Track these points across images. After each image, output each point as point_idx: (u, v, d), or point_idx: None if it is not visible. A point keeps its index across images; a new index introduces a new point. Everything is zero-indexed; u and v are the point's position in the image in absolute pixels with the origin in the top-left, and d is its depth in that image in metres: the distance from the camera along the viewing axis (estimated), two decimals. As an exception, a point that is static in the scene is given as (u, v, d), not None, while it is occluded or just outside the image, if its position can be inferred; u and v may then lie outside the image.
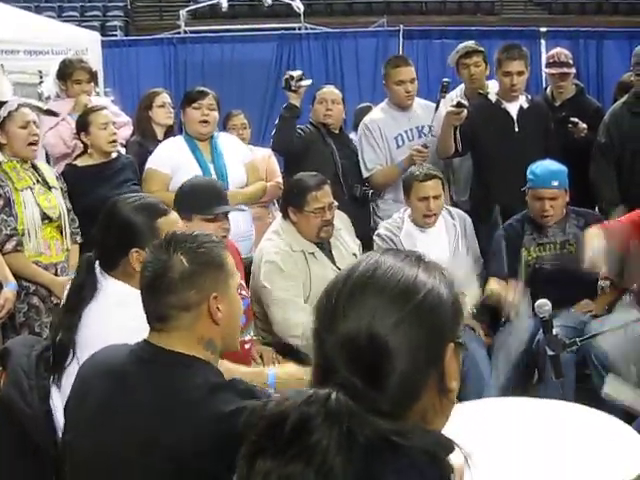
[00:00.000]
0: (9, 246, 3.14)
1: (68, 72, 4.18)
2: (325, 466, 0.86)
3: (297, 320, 3.03)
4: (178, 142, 3.81)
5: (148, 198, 2.29)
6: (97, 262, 2.10)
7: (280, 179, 4.46)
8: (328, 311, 0.99)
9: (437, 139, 3.97)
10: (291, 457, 0.87)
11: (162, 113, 4.34)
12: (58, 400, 1.87)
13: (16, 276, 3.14)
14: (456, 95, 4.37)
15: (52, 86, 4.35)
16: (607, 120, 4.00)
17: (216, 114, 3.84)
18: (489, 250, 3.52)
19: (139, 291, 1.64)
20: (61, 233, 3.35)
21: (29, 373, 1.89)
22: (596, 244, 2.72)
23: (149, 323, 1.60)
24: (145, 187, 3.64)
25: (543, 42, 8.81)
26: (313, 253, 3.28)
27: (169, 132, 4.32)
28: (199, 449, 1.41)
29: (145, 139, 4.26)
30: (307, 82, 4.01)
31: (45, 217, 3.26)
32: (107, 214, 2.17)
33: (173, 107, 4.41)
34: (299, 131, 4.10)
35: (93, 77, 4.32)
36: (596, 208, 3.97)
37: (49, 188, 3.33)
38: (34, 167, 3.35)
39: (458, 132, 3.88)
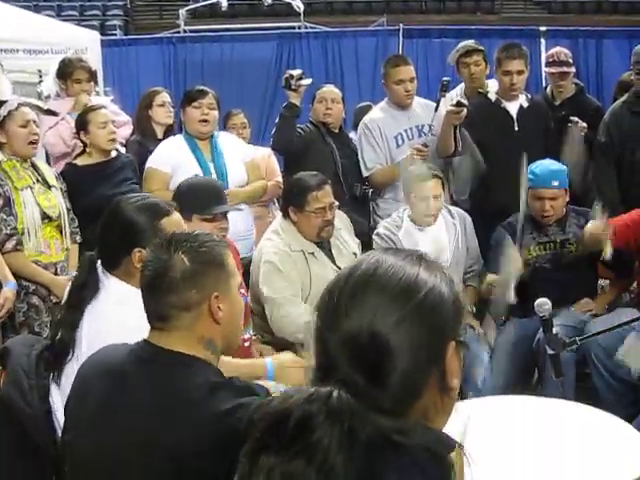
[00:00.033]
0: (9, 245, 3.14)
1: (68, 71, 4.18)
2: (326, 465, 0.87)
3: (295, 317, 3.03)
4: (178, 141, 3.81)
5: (151, 198, 2.29)
6: (99, 261, 2.10)
7: (280, 178, 4.46)
8: (330, 309, 1.00)
9: (437, 138, 3.97)
10: (294, 454, 0.88)
11: (162, 112, 4.35)
12: (58, 399, 1.87)
13: (16, 275, 3.14)
14: (456, 94, 4.37)
15: (52, 85, 4.35)
16: (607, 119, 4.00)
17: (216, 113, 3.84)
18: (489, 248, 3.51)
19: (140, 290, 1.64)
20: (61, 232, 3.35)
21: (29, 372, 1.89)
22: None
23: (149, 322, 1.60)
24: (145, 186, 3.64)
25: (543, 41, 8.81)
26: (313, 253, 3.27)
27: (169, 131, 4.32)
28: (199, 449, 1.41)
29: (145, 138, 4.27)
30: (307, 81, 4.01)
31: (45, 216, 3.26)
32: (110, 214, 2.16)
33: (173, 106, 4.41)
34: (299, 130, 4.10)
35: (93, 76, 4.32)
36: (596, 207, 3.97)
37: (49, 187, 3.34)
38: (33, 166, 3.35)
39: (458, 131, 3.88)
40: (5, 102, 3.34)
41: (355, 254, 3.44)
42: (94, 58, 5.52)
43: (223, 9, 11.02)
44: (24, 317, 3.20)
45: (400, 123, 4.11)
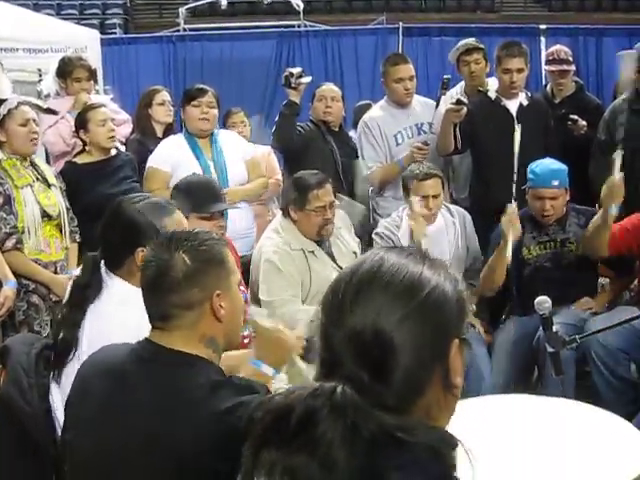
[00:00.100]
0: (9, 244, 3.13)
1: (68, 70, 4.18)
2: (329, 459, 0.87)
3: (293, 315, 3.03)
4: (178, 140, 3.81)
5: (153, 198, 2.29)
6: (102, 261, 2.10)
7: (280, 176, 4.46)
8: (335, 306, 1.00)
9: (437, 136, 3.97)
10: (296, 449, 0.88)
11: (162, 111, 4.35)
12: (58, 398, 1.87)
13: (16, 274, 3.14)
14: (456, 92, 4.37)
15: (52, 84, 4.35)
16: (607, 117, 3.99)
17: (216, 111, 3.84)
18: (489, 246, 3.51)
19: None
20: (60, 231, 3.35)
21: (29, 371, 1.89)
22: None
23: (150, 322, 1.60)
24: (146, 185, 3.64)
25: (543, 39, 8.80)
26: (313, 251, 3.27)
27: (169, 130, 4.32)
28: (199, 448, 1.41)
29: (145, 137, 4.27)
30: (307, 79, 4.01)
31: (45, 215, 3.26)
32: (112, 214, 2.16)
33: (173, 105, 4.41)
34: (299, 129, 4.10)
35: (93, 75, 4.32)
36: (596, 206, 3.97)
37: (48, 186, 3.34)
38: (33, 165, 3.35)
39: (458, 129, 3.88)
40: (5, 101, 3.34)
41: (355, 253, 3.44)
42: (94, 57, 5.53)
43: (223, 8, 11.01)
44: (24, 316, 3.20)
45: (400, 121, 4.11)
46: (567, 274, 3.41)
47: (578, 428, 2.13)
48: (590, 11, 12.29)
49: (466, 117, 3.83)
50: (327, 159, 4.06)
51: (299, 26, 10.64)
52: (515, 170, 3.29)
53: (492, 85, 4.20)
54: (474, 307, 3.43)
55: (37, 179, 3.31)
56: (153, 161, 3.73)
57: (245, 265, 3.38)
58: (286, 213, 3.33)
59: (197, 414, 1.44)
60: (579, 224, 3.45)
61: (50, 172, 3.44)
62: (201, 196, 2.94)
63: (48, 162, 4.11)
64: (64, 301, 2.12)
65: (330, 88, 4.29)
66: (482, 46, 4.39)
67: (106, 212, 2.19)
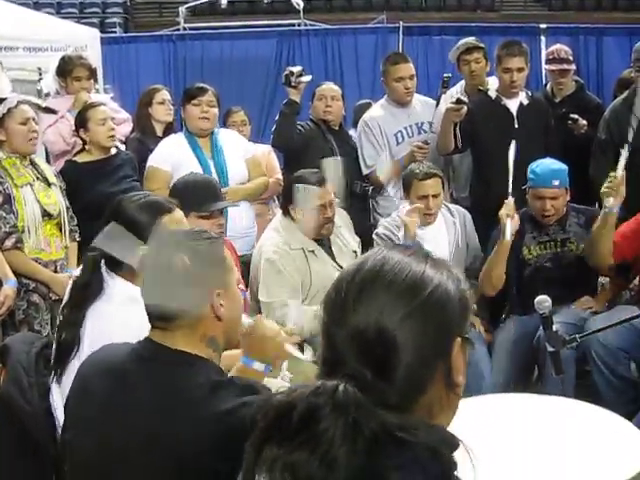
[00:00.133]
0: (8, 243, 3.13)
1: (68, 69, 4.18)
2: (329, 455, 0.87)
3: (294, 317, 3.03)
4: (178, 139, 3.81)
5: (152, 196, 2.29)
6: (102, 261, 2.10)
7: (280, 175, 4.46)
8: (337, 305, 1.00)
9: (437, 135, 3.97)
10: (297, 445, 0.88)
11: (162, 110, 4.34)
12: (59, 397, 1.87)
13: (16, 273, 3.14)
14: (456, 91, 4.37)
15: (52, 83, 4.35)
16: (607, 116, 3.99)
17: (216, 110, 3.84)
18: (489, 245, 3.50)
19: None
20: (60, 230, 3.35)
21: (29, 370, 1.89)
22: None
23: (150, 322, 1.60)
24: (146, 185, 3.64)
25: (543, 38, 8.79)
26: (313, 250, 3.27)
27: (169, 129, 4.32)
28: (199, 448, 1.41)
29: (145, 136, 4.26)
30: (307, 78, 4.00)
31: (45, 214, 3.26)
32: (112, 213, 2.16)
33: (173, 104, 4.41)
34: (299, 127, 4.10)
35: (93, 74, 4.32)
36: (596, 205, 3.97)
37: (48, 185, 3.33)
38: (33, 164, 3.35)
39: (458, 128, 3.88)
40: (4, 100, 3.34)
41: (355, 252, 3.44)
42: (94, 56, 5.52)
43: (223, 7, 11.01)
44: (24, 315, 3.20)
45: (400, 121, 4.11)
46: (567, 274, 3.41)
47: (578, 427, 2.13)
48: (590, 10, 12.27)
49: (466, 116, 3.83)
50: (327, 158, 4.06)
51: (299, 25, 10.63)
52: (511, 169, 3.28)
53: (492, 84, 4.20)
54: (474, 306, 3.43)
55: (37, 178, 3.31)
56: (153, 160, 3.73)
57: (245, 264, 3.38)
58: (286, 212, 3.33)
59: (197, 414, 1.43)
60: (579, 224, 3.45)
61: (50, 171, 3.44)
62: (200, 195, 2.94)
63: (48, 161, 4.10)
64: (64, 302, 2.12)
65: (330, 87, 4.29)
66: (482, 45, 4.39)
67: (106, 211, 2.19)
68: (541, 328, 2.53)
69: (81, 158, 3.69)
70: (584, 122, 4.06)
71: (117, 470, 1.48)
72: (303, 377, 2.21)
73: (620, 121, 3.93)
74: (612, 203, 3.14)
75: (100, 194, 3.37)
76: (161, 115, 4.33)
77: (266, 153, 4.53)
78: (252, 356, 1.88)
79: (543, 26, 9.07)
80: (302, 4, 10.77)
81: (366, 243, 3.60)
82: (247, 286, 3.29)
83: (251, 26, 10.41)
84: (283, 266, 3.17)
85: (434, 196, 3.46)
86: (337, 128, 4.24)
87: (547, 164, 3.39)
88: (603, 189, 3.16)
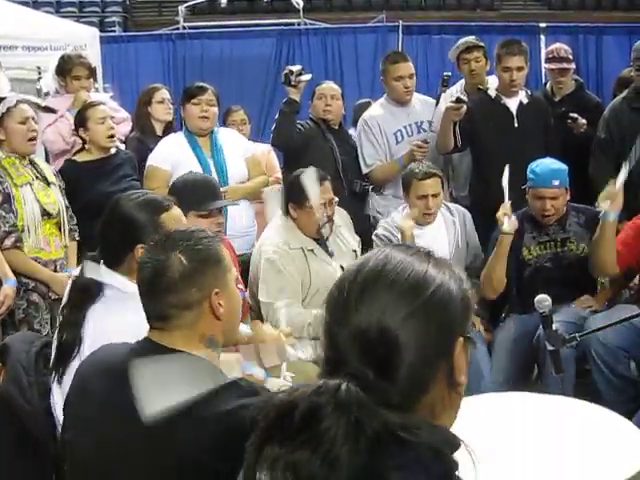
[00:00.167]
0: (8, 242, 3.13)
1: (67, 68, 4.17)
2: (331, 455, 0.87)
3: (292, 318, 3.03)
4: (178, 138, 3.81)
5: (150, 194, 2.29)
6: (101, 261, 2.10)
7: (280, 174, 4.45)
8: (340, 304, 1.00)
9: (437, 134, 3.97)
10: (299, 444, 0.88)
11: (161, 109, 4.34)
12: (59, 397, 1.87)
13: (15, 273, 3.13)
14: (456, 90, 4.37)
15: (51, 82, 4.34)
16: (607, 115, 4.00)
17: (215, 109, 3.83)
18: (489, 245, 3.50)
19: None
20: (60, 230, 3.35)
21: (28, 369, 1.89)
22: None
23: (149, 322, 1.59)
24: (146, 184, 3.64)
25: (543, 37, 8.78)
26: (312, 250, 3.27)
27: (168, 128, 4.32)
28: (200, 448, 1.41)
29: (144, 135, 4.26)
30: (307, 77, 4.00)
31: (45, 213, 3.25)
32: (110, 211, 2.16)
33: (172, 103, 4.40)
34: (299, 126, 4.10)
35: (92, 73, 4.32)
36: (596, 204, 3.97)
37: (48, 184, 3.33)
38: (32, 163, 3.35)
39: (458, 127, 3.88)
40: (3, 99, 3.34)
41: (355, 251, 3.44)
42: (93, 55, 5.52)
43: (222, 6, 11.01)
44: (24, 314, 3.20)
45: (399, 120, 4.11)
46: (567, 273, 3.41)
47: (578, 426, 2.13)
48: (590, 9, 12.27)
49: (466, 115, 3.83)
50: (327, 157, 4.05)
51: (299, 24, 10.62)
52: (506, 191, 3.28)
53: (492, 83, 4.20)
54: (475, 306, 3.42)
55: (36, 177, 3.30)
56: (153, 160, 3.73)
57: (245, 263, 3.38)
58: (286, 211, 3.33)
59: (197, 414, 1.43)
60: (579, 223, 3.44)
61: (49, 171, 3.43)
62: (199, 194, 2.94)
63: (48, 160, 4.10)
64: (63, 302, 2.12)
65: (330, 86, 4.29)
66: (482, 44, 4.39)
67: (104, 210, 2.19)
68: (541, 327, 2.53)
69: (81, 157, 3.69)
70: (584, 121, 4.06)
71: (117, 470, 1.48)
72: (304, 377, 2.22)
73: (620, 120, 3.93)
74: (609, 210, 3.15)
75: (100, 193, 3.37)
76: (161, 114, 4.33)
77: (266, 152, 4.53)
78: (252, 362, 1.89)
79: (543, 25, 9.06)
80: (302, 3, 10.78)
81: (366, 242, 3.60)
82: (247, 286, 3.29)
83: (251, 25, 10.40)
84: (283, 266, 3.17)
85: (433, 196, 3.46)
86: (337, 127, 4.24)
87: (547, 164, 3.38)
88: (600, 199, 3.17)
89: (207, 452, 1.41)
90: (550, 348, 2.28)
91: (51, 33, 5.81)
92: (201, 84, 3.91)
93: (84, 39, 6.05)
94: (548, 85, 4.55)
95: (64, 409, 1.68)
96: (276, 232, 3.30)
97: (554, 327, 2.28)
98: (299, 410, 0.90)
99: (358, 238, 3.60)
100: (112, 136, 3.70)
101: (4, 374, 1.88)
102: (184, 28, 10.59)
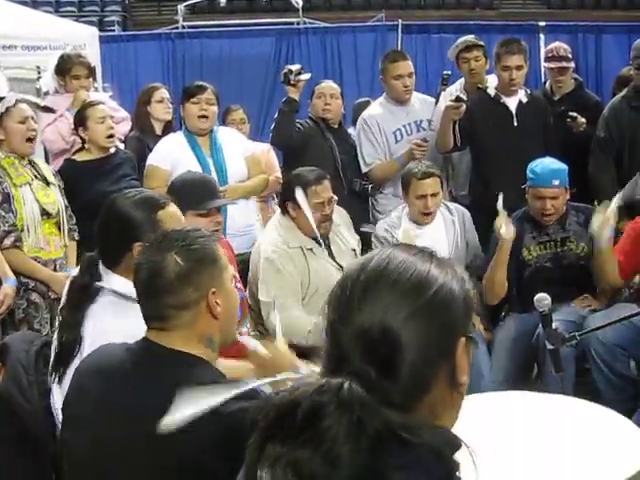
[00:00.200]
0: (7, 242, 3.13)
1: (66, 67, 4.17)
2: (332, 453, 0.87)
3: (293, 320, 3.04)
4: (178, 138, 3.80)
5: (146, 192, 2.29)
6: (100, 261, 2.10)
7: (279, 173, 4.45)
8: (343, 303, 1.00)
9: (436, 133, 3.97)
10: (301, 443, 0.88)
11: (161, 108, 4.34)
12: (59, 396, 1.87)
13: (15, 272, 3.13)
14: (456, 89, 4.36)
15: (50, 81, 4.33)
16: (606, 114, 4.00)
17: (215, 109, 3.83)
18: (489, 244, 3.49)
19: None
20: (59, 229, 3.35)
21: (28, 369, 1.89)
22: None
23: (146, 323, 1.59)
24: (146, 183, 3.64)
25: (542, 36, 8.78)
26: (311, 249, 3.27)
27: (168, 127, 4.32)
28: (200, 448, 1.41)
29: (144, 134, 4.26)
30: (306, 76, 4.00)
31: (44, 213, 3.25)
32: (107, 211, 2.16)
33: (172, 102, 4.40)
34: (298, 126, 4.10)
35: (92, 72, 4.31)
36: (595, 202, 3.97)
37: (47, 184, 3.33)
38: (31, 163, 3.35)
39: (457, 126, 3.88)
40: (3, 99, 3.34)
41: (354, 250, 3.44)
42: (92, 54, 5.52)
43: (222, 5, 11.00)
44: (24, 314, 3.20)
45: (399, 118, 4.11)
46: (567, 273, 3.41)
47: (577, 425, 2.13)
48: (589, 8, 12.27)
49: (465, 114, 3.83)
50: (326, 156, 4.05)
51: (298, 23, 10.61)
52: (501, 211, 3.28)
53: (491, 82, 4.20)
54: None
55: (35, 177, 3.30)
56: (153, 159, 3.72)
57: (245, 263, 3.38)
58: (284, 210, 3.32)
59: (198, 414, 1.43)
60: (579, 222, 3.44)
61: (49, 170, 3.43)
62: (197, 193, 2.94)
63: (47, 160, 4.10)
64: (61, 303, 2.12)
65: (329, 85, 4.29)
66: (482, 43, 4.39)
67: (101, 210, 2.19)
68: (540, 326, 2.53)
69: (80, 157, 3.69)
70: (583, 120, 4.06)
71: (113, 469, 1.48)
72: None
73: (619, 119, 3.94)
74: (602, 236, 3.15)
75: (99, 193, 3.37)
76: (160, 113, 4.33)
77: (265, 151, 4.53)
78: (262, 377, 1.88)
79: (542, 24, 9.06)
80: (301, 2, 10.77)
81: (366, 241, 3.60)
82: (246, 285, 3.29)
83: (250, 24, 10.39)
84: (282, 265, 3.17)
85: (432, 195, 3.46)
86: (336, 126, 4.24)
87: (547, 163, 3.38)
88: (594, 224, 3.16)
89: (207, 452, 1.41)
90: (550, 347, 2.28)
91: (50, 32, 5.81)
92: (200, 83, 3.90)
93: (83, 38, 6.06)
94: (547, 84, 4.55)
95: (63, 409, 1.68)
96: (275, 231, 3.30)
97: (554, 326, 2.28)
98: (301, 408, 0.90)
99: (358, 237, 3.60)
100: (112, 136, 3.70)
101: (4, 373, 1.88)
102: (183, 27, 10.59)
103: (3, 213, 3.13)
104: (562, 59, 4.33)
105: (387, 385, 0.94)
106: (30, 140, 3.30)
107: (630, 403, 2.95)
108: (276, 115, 4.08)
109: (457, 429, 1.01)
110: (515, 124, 3.96)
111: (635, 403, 2.93)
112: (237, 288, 1.75)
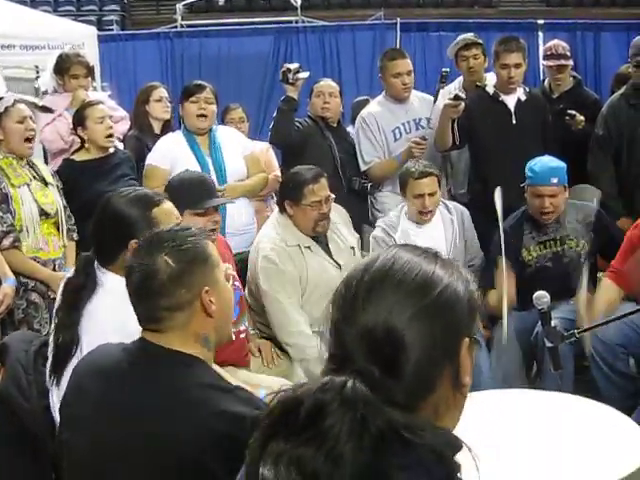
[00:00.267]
0: (6, 242, 3.13)
1: (65, 67, 4.16)
2: (335, 451, 0.87)
3: (293, 324, 3.04)
4: (177, 137, 3.80)
5: (141, 190, 2.29)
6: (96, 261, 2.10)
7: (278, 172, 4.45)
8: (347, 303, 1.01)
9: (435, 132, 3.97)
10: (304, 441, 0.89)
11: (159, 107, 4.33)
12: (57, 397, 1.87)
13: (14, 272, 3.13)
14: (454, 87, 4.37)
15: (49, 81, 4.33)
16: (605, 112, 4.00)
17: (214, 107, 3.83)
18: (489, 244, 3.48)
19: None
20: (58, 229, 3.35)
21: (27, 368, 1.89)
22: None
23: (141, 325, 1.59)
24: (145, 183, 3.64)
25: (541, 34, 8.77)
26: (309, 247, 3.27)
27: (166, 126, 4.31)
28: (199, 448, 1.41)
29: (142, 134, 4.26)
30: (305, 74, 4.00)
31: (43, 213, 3.25)
32: (102, 210, 2.17)
33: (170, 101, 4.39)
34: (297, 124, 4.09)
35: (90, 72, 4.31)
36: (594, 201, 3.97)
37: (46, 184, 3.33)
38: (30, 164, 3.34)
39: (456, 125, 3.88)
40: (1, 99, 3.33)
41: (353, 248, 3.44)
42: (91, 53, 5.52)
43: (220, 4, 10.98)
44: (23, 314, 3.20)
45: (397, 117, 4.11)
46: (567, 271, 3.40)
47: (577, 423, 2.13)
48: (588, 6, 12.26)
49: (464, 112, 3.83)
50: (325, 155, 4.06)
51: (297, 22, 10.60)
52: (500, 215, 3.23)
53: (490, 80, 4.20)
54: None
55: (34, 178, 3.30)
56: (152, 159, 3.72)
57: (244, 261, 3.38)
58: (282, 209, 3.32)
59: (197, 414, 1.43)
60: (577, 220, 3.44)
61: (47, 171, 3.43)
62: (194, 192, 2.94)
63: (46, 160, 4.10)
64: (57, 304, 2.11)
65: (328, 84, 4.29)
66: (480, 41, 4.39)
67: (97, 208, 2.19)
68: (540, 324, 2.53)
69: (79, 157, 3.69)
70: (582, 118, 4.06)
71: (113, 469, 1.48)
72: None
73: (618, 117, 3.94)
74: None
75: (98, 193, 3.34)
76: (159, 113, 4.33)
77: (264, 150, 4.53)
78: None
79: (541, 22, 9.05)
80: (300, 1, 10.75)
81: (365, 240, 3.60)
82: (245, 284, 3.29)
83: (248, 23, 10.37)
84: (281, 263, 3.17)
85: (430, 194, 3.46)
86: (335, 125, 4.24)
87: (545, 162, 3.38)
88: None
89: (207, 451, 1.41)
90: (549, 345, 2.28)
91: (49, 32, 5.80)
92: (199, 82, 3.90)
93: (82, 38, 6.05)
94: (546, 82, 4.55)
95: (61, 409, 1.68)
96: (273, 229, 3.30)
97: (553, 324, 2.28)
98: (305, 406, 0.90)
99: (357, 235, 3.60)
100: (111, 135, 3.70)
101: (3, 373, 1.88)
102: (182, 26, 10.57)
103: (1, 214, 3.12)
104: (561, 57, 4.33)
105: (391, 384, 0.95)
106: (29, 140, 3.30)
107: (630, 401, 2.95)
108: (275, 114, 4.08)
109: (457, 427, 1.01)
110: (514, 122, 3.95)
111: (635, 401, 2.93)
112: (235, 287, 1.74)
